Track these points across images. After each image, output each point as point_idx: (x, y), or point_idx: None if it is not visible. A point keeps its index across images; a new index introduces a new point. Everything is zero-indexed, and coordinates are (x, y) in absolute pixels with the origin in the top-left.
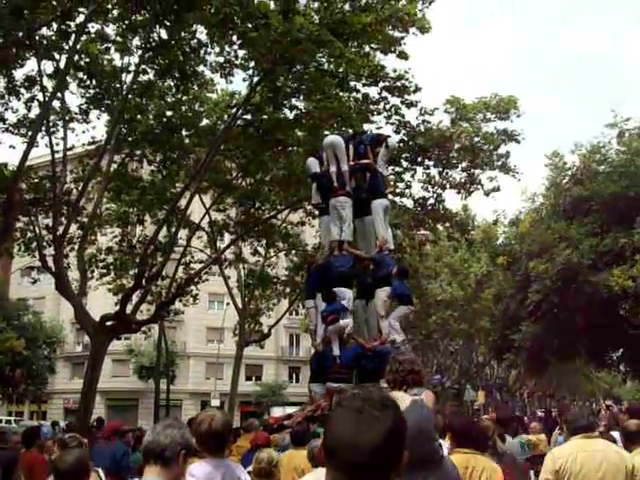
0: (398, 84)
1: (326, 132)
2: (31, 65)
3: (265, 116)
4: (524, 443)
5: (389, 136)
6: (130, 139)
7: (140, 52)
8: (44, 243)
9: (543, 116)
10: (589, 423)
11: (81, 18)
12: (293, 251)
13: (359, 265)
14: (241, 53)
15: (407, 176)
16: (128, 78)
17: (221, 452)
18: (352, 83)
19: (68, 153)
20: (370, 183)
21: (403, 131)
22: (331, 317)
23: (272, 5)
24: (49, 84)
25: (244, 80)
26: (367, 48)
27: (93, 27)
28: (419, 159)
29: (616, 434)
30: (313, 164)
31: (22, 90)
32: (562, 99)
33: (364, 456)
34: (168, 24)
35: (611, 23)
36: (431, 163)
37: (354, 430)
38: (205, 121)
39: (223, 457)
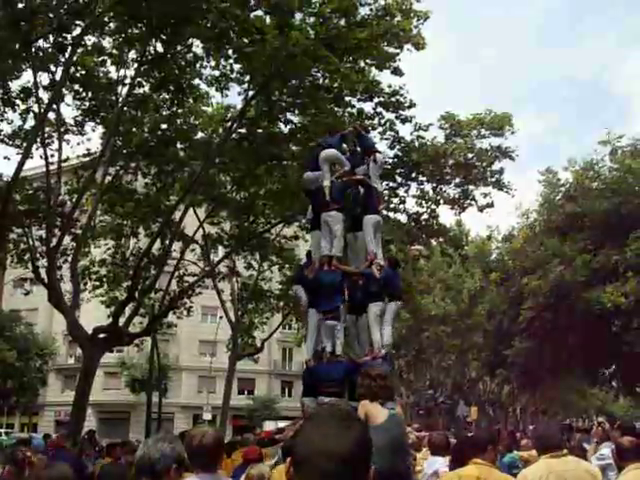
0: (393, 100)
1: None
2: (27, 77)
3: (260, 130)
4: (517, 459)
5: (378, 151)
6: (125, 151)
7: (136, 65)
8: (37, 255)
9: (538, 132)
10: (558, 440)
11: (77, 31)
12: (287, 265)
13: (349, 280)
14: (236, 67)
15: (401, 191)
16: (123, 91)
17: (213, 468)
18: (347, 98)
19: (63, 165)
20: (363, 198)
21: (397, 147)
22: (331, 314)
23: (268, 20)
24: (45, 96)
25: (239, 94)
26: (362, 63)
27: (89, 40)
28: (413, 174)
29: (607, 450)
30: (312, 177)
31: (18, 101)
32: (557, 117)
33: (335, 463)
34: (164, 37)
35: (606, 42)
36: (425, 179)
37: (324, 438)
38: (200, 134)
39: (215, 472)
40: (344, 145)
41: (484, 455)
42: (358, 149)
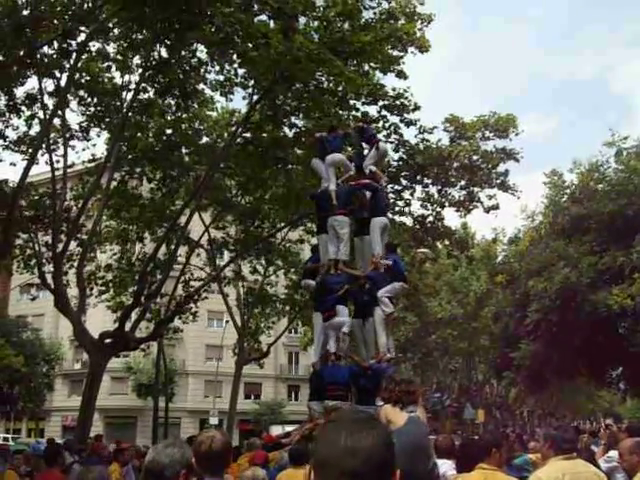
0: (397, 103)
1: None
2: (32, 83)
3: (265, 134)
4: (528, 461)
5: (380, 139)
6: (130, 157)
7: (141, 70)
8: (43, 260)
9: (543, 134)
10: (574, 443)
11: (82, 37)
12: (292, 269)
13: (355, 284)
14: (241, 72)
15: (406, 194)
16: (128, 96)
17: (220, 473)
18: (351, 102)
19: (68, 170)
20: (371, 202)
21: (402, 150)
22: (327, 313)
23: (272, 24)
24: (50, 102)
25: (244, 98)
26: (366, 67)
27: (94, 46)
28: (418, 177)
29: (615, 452)
30: (316, 166)
31: (23, 108)
32: (562, 118)
33: (362, 462)
34: (169, 43)
35: (608, 42)
36: (430, 181)
37: (349, 437)
38: (205, 139)
39: (222, 477)
40: (348, 147)
41: (489, 459)
42: (365, 152)
